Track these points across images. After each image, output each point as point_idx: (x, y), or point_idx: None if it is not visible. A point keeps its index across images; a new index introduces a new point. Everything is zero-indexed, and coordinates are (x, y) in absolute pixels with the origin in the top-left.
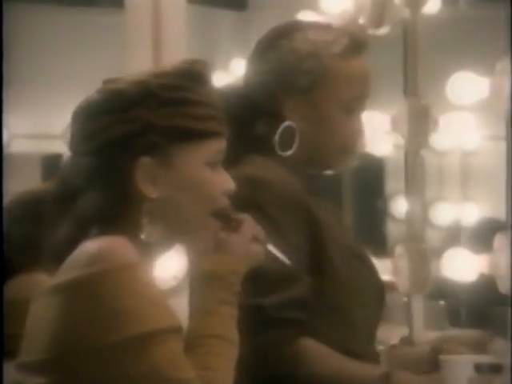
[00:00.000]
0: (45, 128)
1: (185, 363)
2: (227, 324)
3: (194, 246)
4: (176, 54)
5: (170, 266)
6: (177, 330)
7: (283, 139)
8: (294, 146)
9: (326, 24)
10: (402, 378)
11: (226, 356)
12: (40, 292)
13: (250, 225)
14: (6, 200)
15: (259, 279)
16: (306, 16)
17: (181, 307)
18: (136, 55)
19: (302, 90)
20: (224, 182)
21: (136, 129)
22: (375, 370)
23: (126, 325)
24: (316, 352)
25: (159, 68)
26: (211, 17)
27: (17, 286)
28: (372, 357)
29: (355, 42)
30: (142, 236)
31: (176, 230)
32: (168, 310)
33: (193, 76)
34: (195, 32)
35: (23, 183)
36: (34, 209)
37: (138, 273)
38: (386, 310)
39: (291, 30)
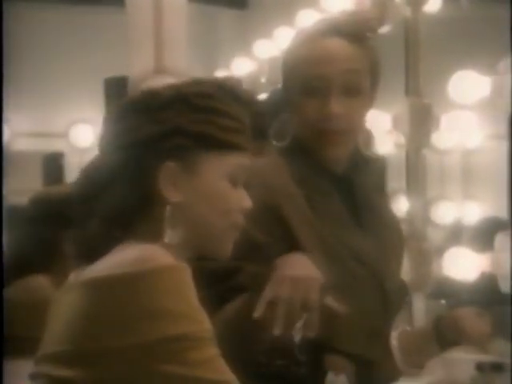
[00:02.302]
0: (46, 127)
1: (223, 365)
2: None
3: (210, 255)
4: (177, 52)
5: None
6: (211, 333)
7: (279, 131)
8: (288, 137)
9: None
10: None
11: None
12: (70, 285)
13: None
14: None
15: (203, 275)
16: (306, 14)
17: None
18: (137, 54)
19: (282, 82)
20: (241, 200)
21: (165, 130)
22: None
23: (163, 325)
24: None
25: (194, 78)
26: (212, 15)
27: (22, 288)
28: (378, 358)
29: (330, 25)
30: (165, 240)
31: (194, 237)
32: (204, 314)
33: (225, 88)
34: (196, 31)
35: (24, 181)
36: (54, 209)
37: (178, 274)
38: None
39: None
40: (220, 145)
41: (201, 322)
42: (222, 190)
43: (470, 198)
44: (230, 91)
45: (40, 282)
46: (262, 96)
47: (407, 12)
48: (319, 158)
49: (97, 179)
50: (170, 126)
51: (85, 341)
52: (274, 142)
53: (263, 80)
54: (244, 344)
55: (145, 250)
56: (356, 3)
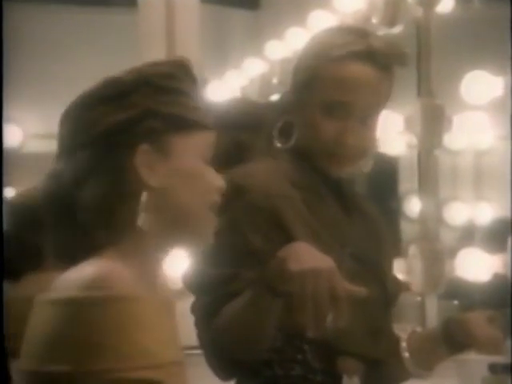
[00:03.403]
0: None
1: None
2: None
3: (193, 240)
4: (189, 53)
5: (178, 267)
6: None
7: (283, 132)
8: (293, 139)
9: (350, 28)
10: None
11: None
12: (37, 302)
13: None
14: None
15: (200, 281)
16: (318, 15)
17: (186, 309)
18: (149, 54)
19: (297, 87)
20: (216, 179)
21: (135, 115)
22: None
23: (102, 358)
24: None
25: (152, 60)
26: (224, 16)
27: (25, 285)
28: (383, 356)
29: (366, 50)
30: (138, 223)
31: (175, 221)
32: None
33: (183, 68)
34: (208, 31)
35: (36, 183)
36: (28, 213)
37: (128, 307)
38: (399, 310)
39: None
40: (188, 125)
41: (132, 359)
42: (198, 169)
43: (483, 198)
44: (187, 70)
45: (46, 278)
46: (274, 97)
47: (419, 12)
48: (320, 167)
49: (68, 178)
50: (137, 110)
51: (40, 361)
52: (277, 143)
53: (275, 81)
54: (250, 343)
55: (103, 271)
56: (368, 4)
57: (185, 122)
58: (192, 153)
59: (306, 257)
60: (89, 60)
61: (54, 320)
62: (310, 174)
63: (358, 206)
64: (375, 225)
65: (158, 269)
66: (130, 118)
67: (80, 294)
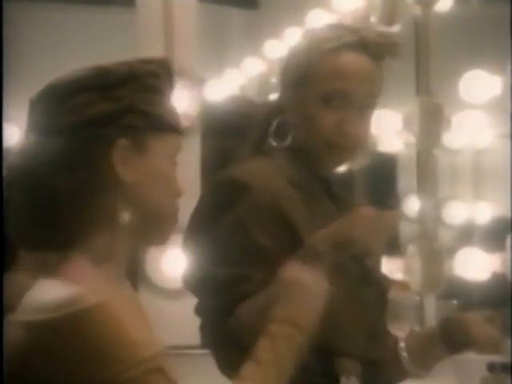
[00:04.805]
0: None
1: None
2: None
3: (159, 238)
4: (187, 52)
5: (176, 266)
6: (154, 358)
7: (279, 132)
8: (289, 138)
9: (341, 24)
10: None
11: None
12: (14, 323)
13: None
14: None
15: (208, 282)
16: (316, 14)
17: (186, 308)
18: (147, 54)
19: (291, 84)
20: (180, 185)
21: (119, 108)
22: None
23: (98, 367)
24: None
25: (141, 56)
26: (222, 15)
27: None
28: (379, 357)
29: (358, 40)
30: (120, 220)
31: (141, 220)
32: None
33: (168, 69)
34: (206, 31)
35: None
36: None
37: (112, 312)
38: (398, 310)
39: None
40: (165, 126)
41: (129, 357)
42: (169, 171)
43: (481, 197)
44: (170, 72)
45: (22, 280)
46: (272, 96)
47: (418, 11)
48: (316, 163)
49: (37, 166)
50: (123, 104)
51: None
52: (273, 143)
53: (273, 80)
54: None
55: (73, 289)
56: (366, 3)
57: (163, 123)
58: (166, 154)
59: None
60: (89, 60)
61: (38, 341)
62: (305, 173)
63: (346, 205)
64: None
65: (123, 265)
66: (113, 111)
67: (55, 314)
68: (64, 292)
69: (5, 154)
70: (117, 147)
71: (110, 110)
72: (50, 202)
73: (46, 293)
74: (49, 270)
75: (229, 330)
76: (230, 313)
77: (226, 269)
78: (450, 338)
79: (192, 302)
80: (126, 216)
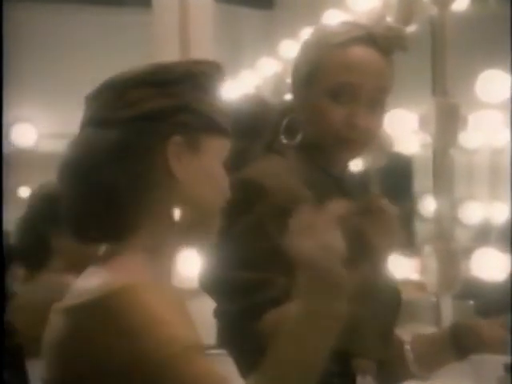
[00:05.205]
0: (73, 128)
1: (218, 374)
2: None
3: (205, 238)
4: (203, 52)
5: (192, 266)
6: (194, 344)
7: (289, 130)
8: (299, 136)
9: (350, 21)
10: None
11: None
12: (55, 311)
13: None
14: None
15: (232, 286)
16: (332, 14)
17: (201, 308)
18: (163, 54)
19: (301, 81)
20: (227, 186)
21: (174, 105)
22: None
23: (133, 345)
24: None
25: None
26: (238, 16)
27: (41, 288)
28: (387, 358)
29: (366, 34)
30: (171, 216)
31: (194, 216)
32: (184, 329)
33: (221, 73)
34: (222, 31)
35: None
36: (53, 204)
37: (147, 293)
38: (414, 310)
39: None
40: (217, 127)
41: (173, 339)
42: (220, 172)
43: (498, 197)
44: (223, 76)
45: (58, 281)
46: (288, 96)
47: (434, 11)
48: (327, 161)
49: (90, 159)
50: (180, 101)
51: (66, 367)
52: (283, 140)
53: (289, 80)
54: None
55: (110, 276)
56: (383, 3)
57: (214, 123)
58: (215, 154)
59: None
60: (103, 60)
61: (89, 320)
62: (317, 171)
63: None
64: None
65: (172, 263)
66: (168, 108)
67: (89, 297)
68: (103, 278)
69: (20, 154)
70: (171, 143)
71: (166, 106)
72: (102, 193)
73: (87, 280)
74: (97, 262)
75: (256, 335)
76: (257, 318)
77: (248, 272)
78: (461, 343)
79: (207, 302)
80: (176, 212)
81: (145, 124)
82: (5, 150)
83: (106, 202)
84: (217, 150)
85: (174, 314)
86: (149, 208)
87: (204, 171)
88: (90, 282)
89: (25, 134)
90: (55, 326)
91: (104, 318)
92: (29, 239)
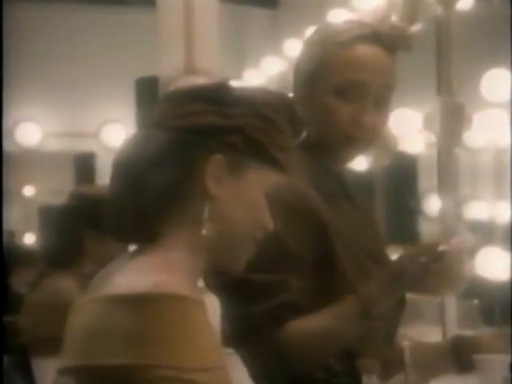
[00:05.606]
0: (77, 127)
1: None
2: None
3: (231, 263)
4: (208, 52)
5: None
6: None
7: (293, 128)
8: (303, 134)
9: (354, 19)
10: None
11: None
12: (88, 299)
13: None
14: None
15: (248, 288)
16: (337, 13)
17: (213, 305)
18: (168, 54)
19: (304, 79)
20: (268, 220)
21: (226, 126)
22: (347, 303)
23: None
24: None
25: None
26: (243, 15)
27: (48, 290)
28: (390, 358)
29: (372, 33)
30: (203, 232)
31: (219, 240)
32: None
33: (287, 104)
34: (227, 30)
35: (56, 181)
36: (87, 208)
37: (185, 306)
38: (419, 310)
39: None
40: (268, 158)
41: (188, 359)
42: (258, 200)
43: (503, 197)
44: (290, 109)
45: (65, 284)
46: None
47: (439, 10)
48: (331, 159)
49: (136, 158)
50: (232, 123)
51: (90, 356)
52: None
53: None
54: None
55: (159, 277)
56: (387, 2)
57: (266, 154)
58: (260, 184)
59: None
60: (107, 59)
61: (116, 316)
62: (321, 170)
63: (362, 205)
64: (375, 222)
65: (197, 278)
66: (219, 126)
67: (142, 291)
68: (142, 276)
69: (24, 153)
70: (212, 160)
71: (217, 124)
72: (141, 194)
73: (124, 275)
74: (125, 259)
75: (278, 341)
76: (278, 323)
77: (260, 275)
78: (461, 355)
79: (212, 301)
80: (206, 228)
81: (192, 136)
82: (9, 148)
83: (142, 202)
84: (261, 180)
85: (206, 333)
86: (182, 217)
87: (241, 196)
88: (129, 277)
89: (29, 133)
90: (88, 314)
91: (151, 314)
92: (63, 239)
